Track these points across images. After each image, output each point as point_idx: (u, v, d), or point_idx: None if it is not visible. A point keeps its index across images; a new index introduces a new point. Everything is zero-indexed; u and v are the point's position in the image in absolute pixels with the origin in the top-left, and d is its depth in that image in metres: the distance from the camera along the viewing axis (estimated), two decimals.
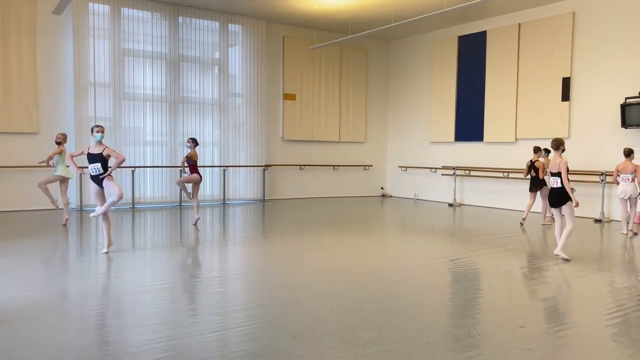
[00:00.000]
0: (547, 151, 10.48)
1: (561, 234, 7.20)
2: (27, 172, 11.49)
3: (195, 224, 9.73)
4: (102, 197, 7.04)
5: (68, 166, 9.06)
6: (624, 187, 9.07)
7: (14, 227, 9.42)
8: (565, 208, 7.10)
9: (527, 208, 10.52)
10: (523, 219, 10.52)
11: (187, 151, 9.93)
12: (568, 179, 7.11)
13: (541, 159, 10.34)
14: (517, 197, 12.91)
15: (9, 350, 3.75)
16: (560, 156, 7.20)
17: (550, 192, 7.41)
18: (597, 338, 4.21)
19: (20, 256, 6.91)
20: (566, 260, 6.99)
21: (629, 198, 9.08)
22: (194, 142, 9.84)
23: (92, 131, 7.07)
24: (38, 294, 5.21)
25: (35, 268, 6.32)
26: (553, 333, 4.28)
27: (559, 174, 7.07)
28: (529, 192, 10.64)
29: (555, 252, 7.15)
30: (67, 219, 9.57)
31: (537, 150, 10.47)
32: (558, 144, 7.23)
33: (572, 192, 7.14)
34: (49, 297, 5.16)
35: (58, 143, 9.44)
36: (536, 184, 10.37)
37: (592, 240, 9.00)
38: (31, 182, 11.57)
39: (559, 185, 7.09)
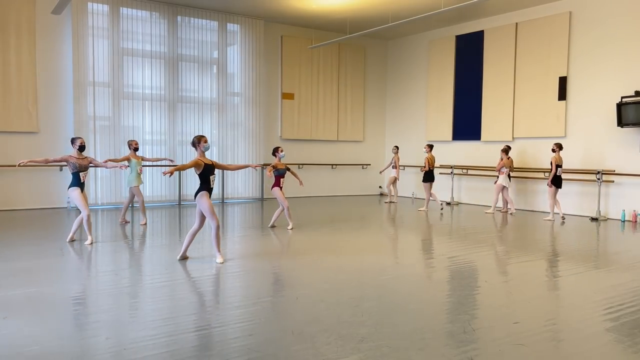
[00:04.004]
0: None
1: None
2: (27, 171, 11.54)
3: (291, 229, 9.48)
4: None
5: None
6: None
7: (15, 226, 9.47)
8: None
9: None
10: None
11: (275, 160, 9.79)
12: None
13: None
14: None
15: (10, 346, 3.81)
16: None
17: (557, 178, 10.85)
18: (590, 333, 4.28)
19: (21, 253, 6.98)
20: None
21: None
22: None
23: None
24: (39, 291, 5.27)
25: (36, 265, 6.38)
26: (546, 329, 4.35)
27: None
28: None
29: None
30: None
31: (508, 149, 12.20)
32: (561, 146, 10.98)
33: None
34: (50, 293, 5.22)
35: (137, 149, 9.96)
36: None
37: (589, 238, 9.07)
38: (31, 181, 11.67)
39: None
